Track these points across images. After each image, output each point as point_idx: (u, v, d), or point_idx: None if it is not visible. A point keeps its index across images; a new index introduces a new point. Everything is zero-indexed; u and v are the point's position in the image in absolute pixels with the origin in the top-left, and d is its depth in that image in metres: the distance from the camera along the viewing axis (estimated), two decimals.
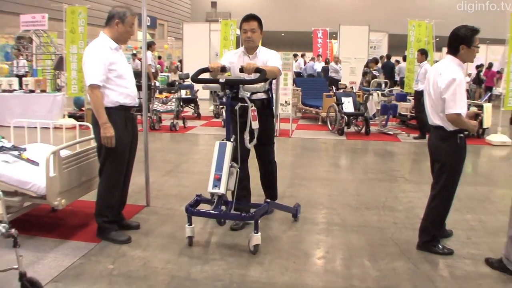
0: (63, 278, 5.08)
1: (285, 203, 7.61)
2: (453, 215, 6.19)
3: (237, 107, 5.93)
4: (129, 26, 5.93)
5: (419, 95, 13.13)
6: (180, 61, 19.55)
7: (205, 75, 6.21)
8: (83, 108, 15.86)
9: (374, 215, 7.25)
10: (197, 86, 13.99)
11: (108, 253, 5.74)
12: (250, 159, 6.72)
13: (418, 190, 8.57)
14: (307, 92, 18.39)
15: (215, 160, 5.79)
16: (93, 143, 6.54)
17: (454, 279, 5.20)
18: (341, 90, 16.74)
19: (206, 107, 19.76)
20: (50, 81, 17.22)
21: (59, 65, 17.71)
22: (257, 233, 5.68)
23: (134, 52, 25.59)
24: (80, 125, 7.76)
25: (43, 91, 16.03)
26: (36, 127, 7.45)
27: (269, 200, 6.40)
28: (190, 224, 5.92)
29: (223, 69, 6.25)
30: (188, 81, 14.53)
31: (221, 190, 5.64)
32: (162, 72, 26.17)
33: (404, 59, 22.25)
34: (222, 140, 5.91)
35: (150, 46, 19.54)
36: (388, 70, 24.39)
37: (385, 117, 15.54)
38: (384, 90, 16.41)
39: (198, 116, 17.77)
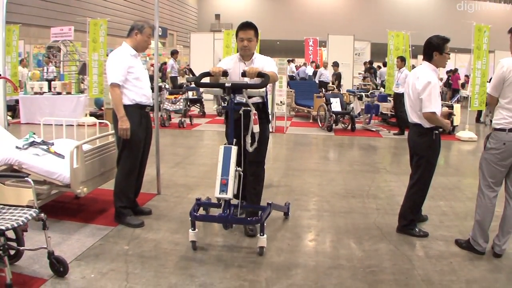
0: (85, 257, 5.10)
1: (280, 192, 7.64)
2: (428, 202, 6.17)
3: (241, 111, 5.40)
4: (146, 36, 6.08)
5: (399, 97, 13.16)
6: (190, 70, 19.51)
7: (206, 79, 5.87)
8: (102, 108, 15.88)
9: (359, 202, 7.24)
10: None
11: (124, 235, 5.75)
12: None
13: (397, 180, 8.55)
14: (299, 93, 18.33)
15: (220, 165, 5.24)
16: (111, 138, 6.54)
17: (429, 258, 5.22)
18: (330, 92, 16.73)
19: (211, 107, 19.80)
20: (75, 84, 17.21)
21: (83, 70, 17.71)
22: (263, 235, 5.21)
23: (147, 58, 25.54)
24: (100, 123, 7.74)
25: (68, 93, 16.04)
26: (62, 125, 7.43)
27: (271, 202, 5.76)
28: (194, 229, 5.35)
29: (225, 74, 5.62)
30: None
31: (229, 195, 5.11)
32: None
33: (385, 65, 22.24)
34: (225, 144, 5.40)
35: (174, 53, 19.50)
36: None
37: (369, 115, 15.49)
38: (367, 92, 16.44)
39: (203, 115, 17.69)
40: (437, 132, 5.61)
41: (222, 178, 5.16)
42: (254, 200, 6.01)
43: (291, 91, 18.16)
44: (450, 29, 22.20)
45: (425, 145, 5.65)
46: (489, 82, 5.81)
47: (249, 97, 5.61)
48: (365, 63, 25.57)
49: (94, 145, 6.51)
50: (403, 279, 4.71)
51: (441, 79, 26.40)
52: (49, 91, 16.01)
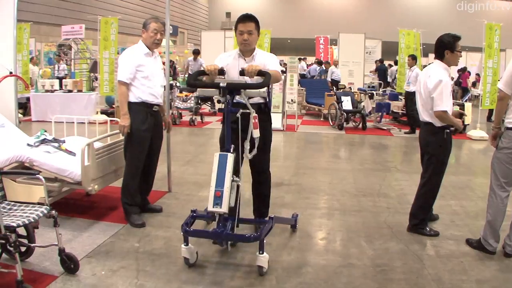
0: (96, 254, 5.13)
1: (290, 190, 7.63)
2: (439, 201, 6.15)
3: (238, 114, 4.81)
4: (151, 32, 6.01)
5: (410, 95, 13.15)
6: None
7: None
8: (113, 106, 15.94)
9: (370, 201, 7.23)
10: None
11: (135, 233, 5.77)
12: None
13: (408, 178, 8.52)
14: (310, 91, 18.29)
15: (215, 175, 4.68)
16: (122, 136, 6.55)
17: (439, 257, 5.21)
18: (341, 90, 16.71)
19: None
20: (86, 82, 17.25)
21: (94, 68, 17.78)
22: (262, 253, 4.66)
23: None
24: (111, 121, 7.77)
25: (79, 91, 16.06)
26: (73, 122, 7.46)
27: (273, 216, 5.18)
28: (187, 244, 4.78)
29: (221, 72, 5.03)
30: None
31: (223, 208, 4.57)
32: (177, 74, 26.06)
33: (396, 63, 22.19)
34: (222, 151, 4.91)
35: (195, 53, 19.46)
36: (382, 72, 24.41)
37: (380, 114, 15.49)
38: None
39: (214, 113, 17.64)
40: (448, 131, 5.58)
41: (216, 190, 4.63)
42: (262, 208, 5.78)
43: (302, 89, 18.13)
44: (461, 28, 22.10)
45: (436, 144, 5.63)
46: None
47: (250, 97, 5.10)
48: (376, 62, 25.52)
49: (105, 143, 6.55)
50: (413, 278, 4.71)
51: (452, 78, 26.32)
52: (60, 89, 16.05)
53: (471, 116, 14.83)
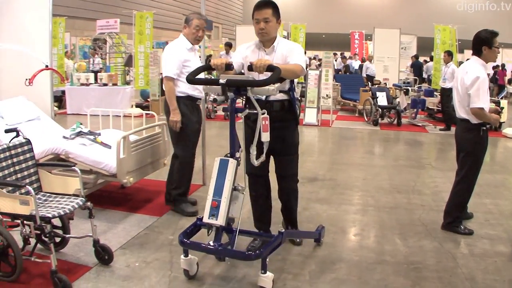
0: (130, 246, 5.20)
1: (325, 186, 7.61)
2: (473, 199, 6.10)
3: (242, 115, 4.38)
4: (193, 28, 6.01)
5: (446, 92, 13.02)
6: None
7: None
8: (148, 99, 16.05)
9: (404, 198, 7.19)
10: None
11: (169, 225, 5.84)
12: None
13: (443, 176, 8.46)
14: (345, 86, 18.21)
15: (213, 182, 4.26)
16: (158, 129, 6.61)
17: (473, 256, 5.17)
18: (376, 86, 16.64)
19: None
20: (121, 76, 17.38)
21: (129, 62, 17.91)
22: (265, 273, 4.19)
23: None
24: (146, 114, 7.84)
25: (114, 84, 16.20)
26: (108, 115, 7.55)
27: (283, 230, 4.54)
28: (186, 255, 4.41)
29: (228, 67, 4.45)
30: None
31: (219, 221, 4.13)
32: None
33: (431, 59, 21.99)
34: (226, 156, 4.45)
35: (227, 45, 19.48)
36: (417, 68, 24.20)
37: (415, 110, 15.38)
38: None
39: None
40: (484, 128, 5.52)
41: (213, 200, 4.19)
42: (288, 217, 5.36)
43: (337, 85, 18.10)
44: (497, 24, 21.80)
45: (472, 141, 5.58)
46: None
47: (267, 96, 4.66)
48: (412, 57, 25.34)
49: (140, 136, 6.60)
50: (446, 276, 4.68)
51: (488, 75, 26.02)
52: (95, 83, 16.22)
53: (507, 114, 14.65)
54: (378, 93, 14.84)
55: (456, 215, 5.82)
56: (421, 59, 25.52)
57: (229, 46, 19.24)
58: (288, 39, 19.73)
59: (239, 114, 4.40)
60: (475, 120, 5.48)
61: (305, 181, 6.71)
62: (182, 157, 6.16)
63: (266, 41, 4.84)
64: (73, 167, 4.78)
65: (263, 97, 4.66)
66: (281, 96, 4.80)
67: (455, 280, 4.62)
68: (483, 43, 5.51)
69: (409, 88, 15.73)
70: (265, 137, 4.30)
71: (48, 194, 4.72)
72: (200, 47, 6.92)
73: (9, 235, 4.17)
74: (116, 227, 5.71)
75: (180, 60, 5.92)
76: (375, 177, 8.38)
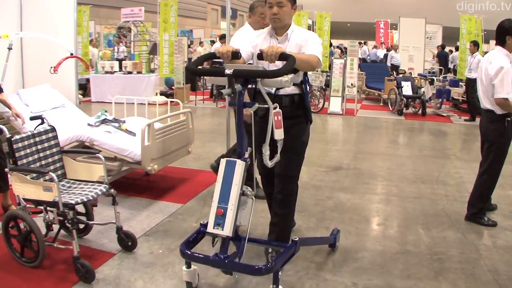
0: (154, 233, 5.24)
1: (349, 175, 7.60)
2: (497, 190, 6.06)
3: (252, 110, 3.73)
4: (258, 16, 5.88)
5: (471, 82, 12.91)
6: None
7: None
8: (173, 87, 16.14)
9: (428, 188, 7.17)
10: None
11: (193, 212, 5.87)
12: None
13: (467, 167, 8.40)
14: (370, 76, 18.17)
15: (219, 187, 3.65)
16: (182, 117, 6.62)
17: (496, 248, 5.14)
18: (401, 75, 16.55)
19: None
20: (145, 64, 17.50)
21: (153, 50, 18.03)
22: None
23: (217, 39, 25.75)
24: (171, 102, 7.87)
25: (139, 72, 16.32)
26: (133, 103, 7.61)
27: (297, 238, 4.01)
28: (188, 267, 3.93)
29: (235, 55, 3.71)
30: None
31: (226, 231, 3.54)
32: None
33: (457, 49, 21.81)
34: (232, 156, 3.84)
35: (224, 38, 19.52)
36: (442, 58, 24.01)
37: (440, 100, 15.30)
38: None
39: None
40: (509, 119, 5.46)
41: (219, 207, 3.61)
42: (275, 230, 4.57)
43: (362, 74, 18.02)
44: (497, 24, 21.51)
45: (497, 132, 5.53)
46: None
47: (278, 88, 4.21)
48: (438, 47, 25.13)
49: (165, 123, 6.65)
50: (469, 268, 4.67)
51: None
52: (120, 71, 16.33)
53: None
54: (403, 83, 14.77)
55: (480, 207, 5.78)
56: (446, 49, 25.30)
57: (224, 38, 19.16)
58: (313, 27, 19.58)
59: (249, 110, 3.77)
60: (500, 111, 5.43)
61: (329, 170, 6.71)
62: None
63: (278, 28, 4.32)
64: (97, 154, 4.83)
65: (272, 90, 4.25)
66: (291, 90, 4.28)
67: (478, 271, 4.60)
68: (506, 33, 5.45)
69: (434, 78, 15.64)
70: (279, 134, 3.80)
71: (72, 181, 4.77)
72: (224, 35, 6.88)
73: (32, 221, 4.22)
74: (140, 214, 5.76)
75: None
76: (399, 167, 8.35)
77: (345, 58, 15.39)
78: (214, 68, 3.89)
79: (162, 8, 16.09)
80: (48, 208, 4.27)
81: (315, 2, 32.81)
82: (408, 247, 5.10)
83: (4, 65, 6.70)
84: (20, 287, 4.08)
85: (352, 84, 14.92)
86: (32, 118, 4.92)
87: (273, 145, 3.85)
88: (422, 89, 15.03)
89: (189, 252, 3.81)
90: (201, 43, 29.74)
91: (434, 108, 15.43)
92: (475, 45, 13.74)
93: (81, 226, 4.88)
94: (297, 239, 4.01)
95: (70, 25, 7.65)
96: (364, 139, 11.31)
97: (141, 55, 19.07)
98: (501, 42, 5.52)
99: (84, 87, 16.60)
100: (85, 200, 4.34)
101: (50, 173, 4.20)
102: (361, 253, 4.90)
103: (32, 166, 4.52)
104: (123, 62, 16.85)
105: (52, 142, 4.80)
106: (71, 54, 7.41)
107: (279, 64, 3.71)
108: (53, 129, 4.84)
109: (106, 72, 16.31)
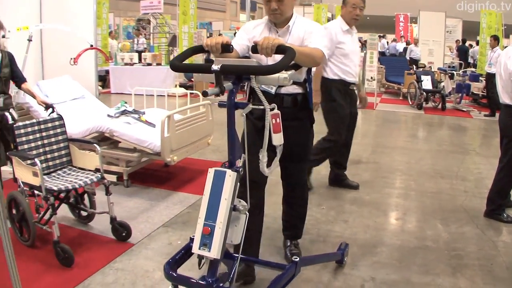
0: (172, 224, 5.27)
1: (368, 169, 7.59)
2: None
3: (244, 112, 3.03)
4: (350, 7, 5.90)
5: (491, 77, 12.80)
6: None
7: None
8: (192, 79, 16.16)
9: (447, 183, 7.13)
10: None
11: None
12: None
13: (487, 162, 8.35)
14: (390, 69, 18.10)
15: (205, 200, 3.01)
16: (202, 109, 6.63)
17: None
18: (421, 69, 16.47)
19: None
20: (165, 55, 17.53)
21: (173, 42, 18.04)
22: None
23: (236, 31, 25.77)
24: (191, 94, 7.89)
25: (158, 64, 16.34)
26: (152, 95, 7.65)
27: (297, 259, 3.47)
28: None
29: (226, 48, 3.13)
30: None
31: (213, 253, 2.88)
32: None
33: (477, 43, 21.68)
34: (222, 165, 3.07)
35: None
36: (462, 53, 23.89)
37: (460, 95, 15.22)
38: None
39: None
40: None
41: (206, 224, 2.97)
42: (294, 232, 4.55)
43: (381, 67, 17.96)
44: None
45: None
46: None
47: (280, 86, 3.78)
48: (457, 41, 24.97)
49: (184, 115, 6.67)
50: (488, 265, 4.64)
51: None
52: (139, 62, 16.41)
53: None
54: (423, 77, 14.71)
55: (498, 203, 5.73)
56: (466, 43, 25.16)
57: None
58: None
59: (241, 111, 3.06)
60: None
61: (349, 164, 6.68)
62: (329, 140, 6.19)
63: (278, 23, 3.86)
64: (93, 144, 4.90)
65: (272, 90, 3.83)
66: (293, 89, 3.87)
67: (496, 268, 4.57)
68: None
69: (454, 72, 15.55)
70: (277, 139, 3.18)
71: (74, 169, 4.93)
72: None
73: (25, 203, 4.45)
74: (158, 205, 5.78)
75: (333, 41, 5.78)
76: (418, 162, 8.32)
77: (364, 52, 15.33)
78: (198, 64, 3.17)
79: (182, 0, 16.12)
80: (35, 192, 4.41)
81: None
82: (427, 242, 5.08)
83: (24, 56, 6.75)
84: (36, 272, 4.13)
85: (372, 78, 14.87)
86: (46, 108, 5.04)
87: (271, 150, 3.21)
88: (442, 84, 14.97)
89: (174, 273, 3.15)
90: (220, 36, 29.75)
91: (454, 102, 15.36)
92: (495, 39, 13.69)
93: (84, 213, 5.10)
94: (297, 259, 3.51)
95: (89, 17, 7.72)
96: (383, 133, 11.28)
97: (160, 47, 19.13)
98: None
99: (103, 79, 16.68)
100: (70, 187, 4.48)
101: (35, 159, 4.30)
102: (380, 248, 4.90)
103: (34, 152, 4.68)
104: (143, 54, 16.92)
105: (58, 130, 4.95)
106: (91, 45, 7.46)
107: (277, 58, 2.96)
108: (60, 118, 4.98)
109: (126, 64, 16.39)
